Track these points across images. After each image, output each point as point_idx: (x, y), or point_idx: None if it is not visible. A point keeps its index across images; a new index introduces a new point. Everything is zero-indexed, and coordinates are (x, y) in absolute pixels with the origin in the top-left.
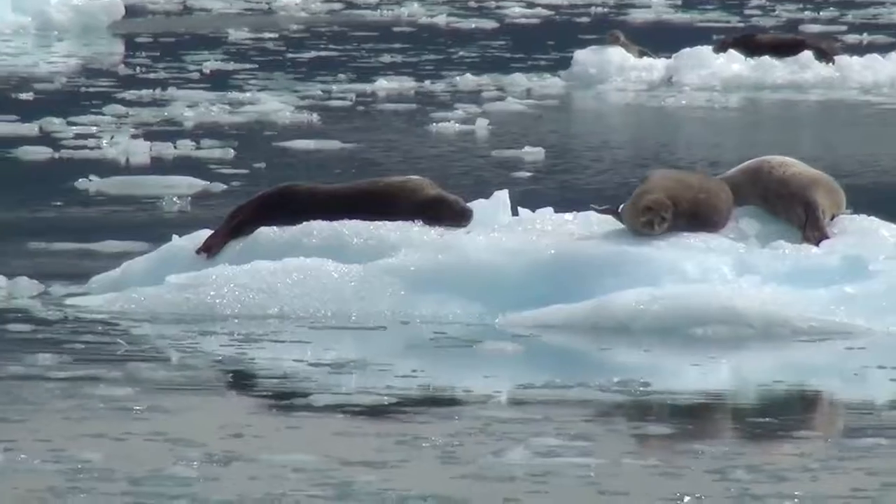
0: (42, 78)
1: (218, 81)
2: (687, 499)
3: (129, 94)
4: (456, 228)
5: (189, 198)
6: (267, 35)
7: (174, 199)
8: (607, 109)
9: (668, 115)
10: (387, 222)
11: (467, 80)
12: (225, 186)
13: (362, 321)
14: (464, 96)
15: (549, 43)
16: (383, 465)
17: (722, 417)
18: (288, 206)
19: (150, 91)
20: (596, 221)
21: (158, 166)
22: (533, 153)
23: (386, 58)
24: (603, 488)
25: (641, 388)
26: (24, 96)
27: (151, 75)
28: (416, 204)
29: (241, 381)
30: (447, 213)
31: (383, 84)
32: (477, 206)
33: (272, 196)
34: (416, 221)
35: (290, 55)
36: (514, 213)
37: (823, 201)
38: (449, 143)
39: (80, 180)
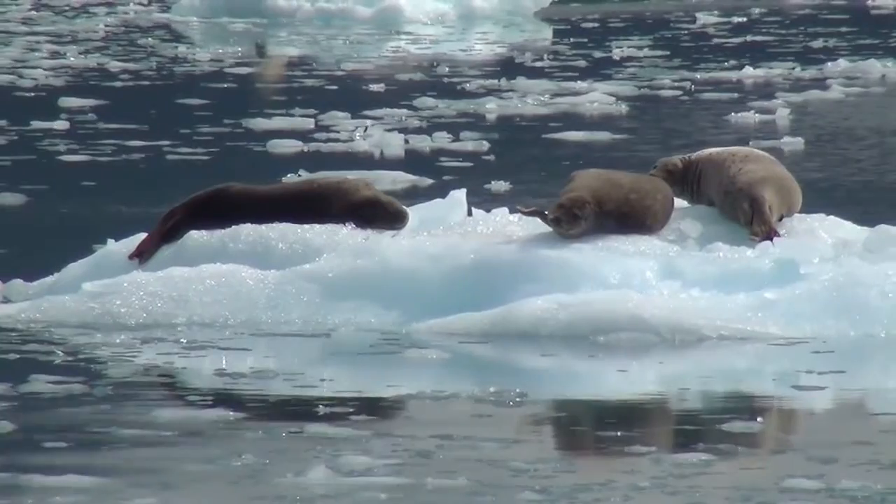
0: (405, 69)
1: (591, 70)
2: None
3: (472, 85)
4: (390, 231)
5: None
6: (735, 20)
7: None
8: None
9: None
10: (315, 225)
11: (836, 67)
12: (432, 181)
13: (271, 329)
14: (805, 84)
15: None
16: (172, 486)
17: (574, 432)
18: (221, 208)
19: (495, 81)
20: (541, 223)
21: (411, 159)
22: (791, 144)
23: (817, 42)
24: None
25: (516, 399)
26: (373, 87)
27: (538, 64)
28: (351, 205)
29: (104, 399)
30: (381, 215)
31: (749, 72)
32: (433, 205)
33: (205, 198)
34: (347, 224)
35: (718, 40)
36: (471, 213)
37: (771, 198)
38: (727, 132)
39: (289, 175)
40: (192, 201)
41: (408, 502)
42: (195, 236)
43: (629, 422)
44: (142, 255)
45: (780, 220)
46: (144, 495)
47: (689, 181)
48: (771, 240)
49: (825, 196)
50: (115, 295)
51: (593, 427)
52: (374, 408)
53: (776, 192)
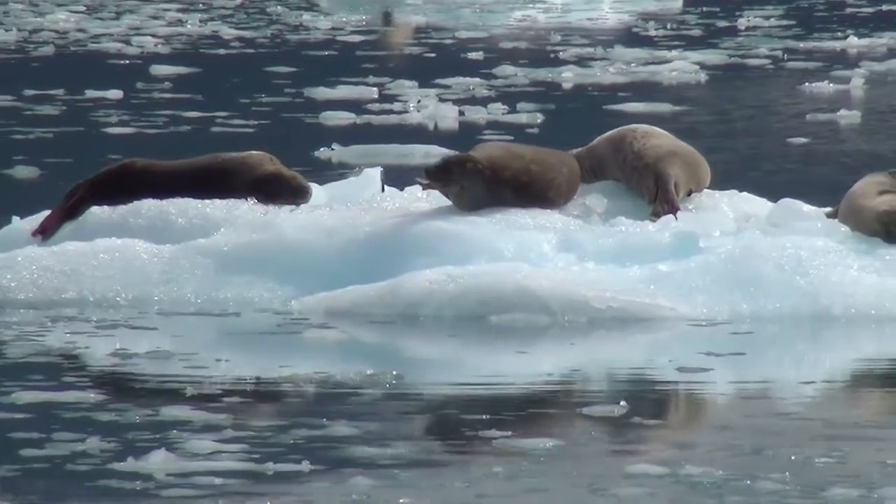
0: (516, 37)
1: (699, 40)
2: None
3: (566, 54)
4: (292, 206)
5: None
6: None
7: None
8: None
9: None
10: (216, 200)
11: None
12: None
13: (163, 306)
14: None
15: None
16: (7, 472)
17: (438, 416)
18: (125, 183)
19: (591, 49)
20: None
21: (464, 131)
22: (847, 117)
23: None
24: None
25: (392, 381)
26: (471, 56)
27: (655, 32)
28: (253, 180)
29: None
30: (283, 190)
31: (853, 41)
32: (346, 183)
33: (109, 174)
34: (250, 199)
35: (852, 10)
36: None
37: (678, 174)
38: (795, 101)
39: (322, 149)
40: (96, 177)
41: (241, 488)
42: (96, 212)
43: (495, 406)
44: (45, 231)
45: (689, 195)
46: None
47: (586, 169)
48: (674, 215)
49: (860, 169)
50: (6, 269)
51: (459, 411)
52: (240, 391)
53: (683, 167)
